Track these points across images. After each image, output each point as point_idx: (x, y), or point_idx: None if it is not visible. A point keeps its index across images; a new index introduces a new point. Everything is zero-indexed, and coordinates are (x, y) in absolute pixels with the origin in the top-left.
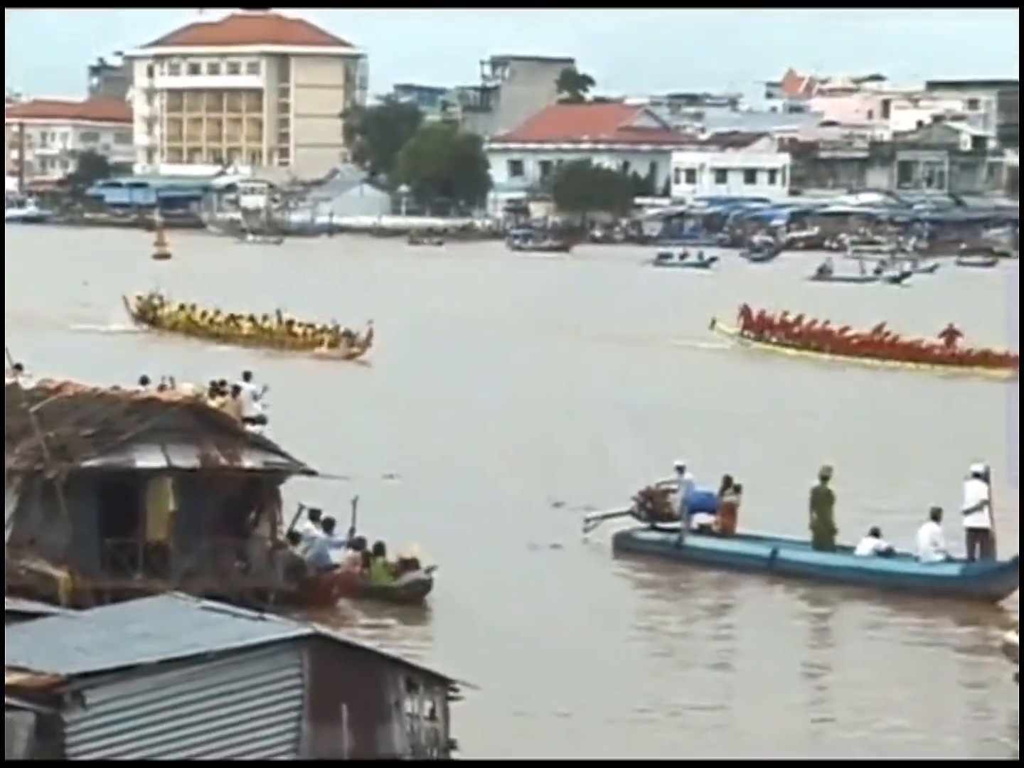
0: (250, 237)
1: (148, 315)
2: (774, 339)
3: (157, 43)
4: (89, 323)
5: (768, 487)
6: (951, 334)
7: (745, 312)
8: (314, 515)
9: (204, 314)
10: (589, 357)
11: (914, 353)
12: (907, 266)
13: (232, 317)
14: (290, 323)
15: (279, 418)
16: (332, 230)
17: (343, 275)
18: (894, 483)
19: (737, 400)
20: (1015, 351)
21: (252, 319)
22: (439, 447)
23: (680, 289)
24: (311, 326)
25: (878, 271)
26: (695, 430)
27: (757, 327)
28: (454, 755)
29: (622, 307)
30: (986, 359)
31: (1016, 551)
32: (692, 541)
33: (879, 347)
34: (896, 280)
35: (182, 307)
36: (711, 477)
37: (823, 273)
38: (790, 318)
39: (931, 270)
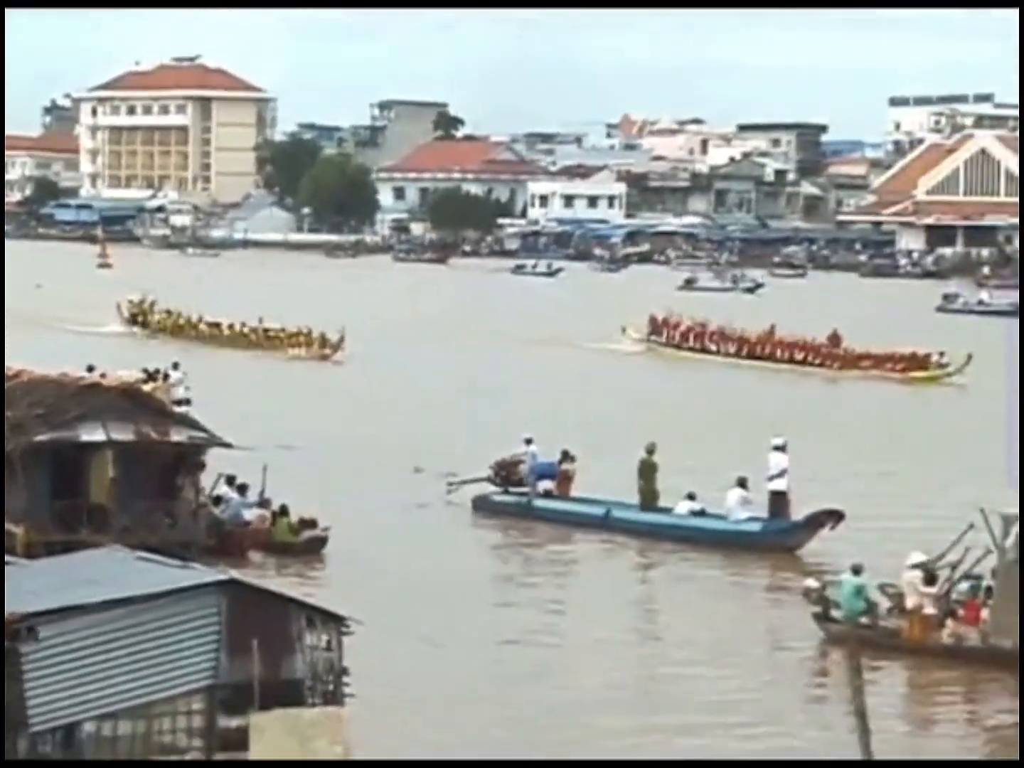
0: (190, 250)
1: (139, 319)
2: (680, 343)
3: (100, 88)
4: (90, 325)
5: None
6: (835, 337)
7: (653, 319)
8: (230, 480)
9: (188, 319)
10: (517, 358)
11: (801, 354)
12: (759, 278)
13: (213, 323)
14: (267, 328)
15: (234, 401)
16: (246, 244)
17: (274, 283)
18: (721, 456)
19: (625, 392)
20: (894, 351)
21: (231, 324)
22: (347, 425)
23: (550, 296)
24: (283, 329)
25: (735, 282)
26: (584, 414)
27: (663, 332)
28: (346, 680)
29: (527, 313)
30: (866, 359)
31: (809, 510)
32: (539, 503)
33: (773, 349)
34: (751, 290)
35: (169, 312)
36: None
37: (690, 283)
38: (693, 324)
39: (754, 287)
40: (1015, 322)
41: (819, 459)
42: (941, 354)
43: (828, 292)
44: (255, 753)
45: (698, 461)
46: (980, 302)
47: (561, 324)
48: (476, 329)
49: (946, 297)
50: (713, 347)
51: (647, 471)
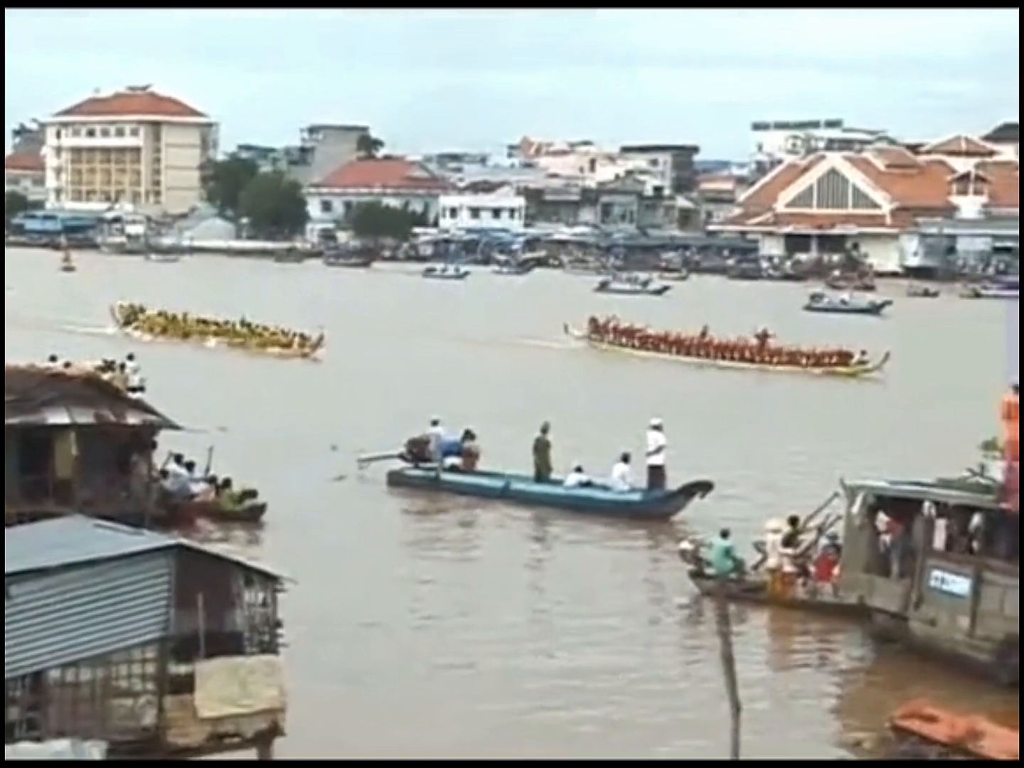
0: (153, 256)
1: (131, 320)
2: (619, 341)
3: (63, 113)
4: (92, 327)
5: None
6: (763, 336)
7: (592, 320)
8: (178, 458)
9: (174, 318)
10: (471, 356)
11: (733, 352)
12: (667, 281)
13: (201, 321)
14: (251, 326)
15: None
16: (193, 250)
17: (230, 284)
18: (614, 435)
19: (559, 384)
20: (818, 349)
21: (218, 323)
22: (289, 411)
23: (470, 296)
24: (267, 328)
25: (645, 284)
26: (515, 403)
27: (603, 332)
28: (279, 631)
29: (462, 313)
30: (792, 357)
31: (683, 481)
32: (445, 476)
33: (705, 347)
34: (658, 292)
35: (161, 314)
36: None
37: (604, 286)
38: (630, 324)
39: (660, 290)
40: (875, 319)
41: (725, 440)
42: (862, 352)
43: (713, 293)
44: (201, 695)
45: (608, 440)
46: (843, 301)
47: (499, 323)
48: (425, 329)
49: (813, 297)
50: (651, 345)
51: (541, 448)
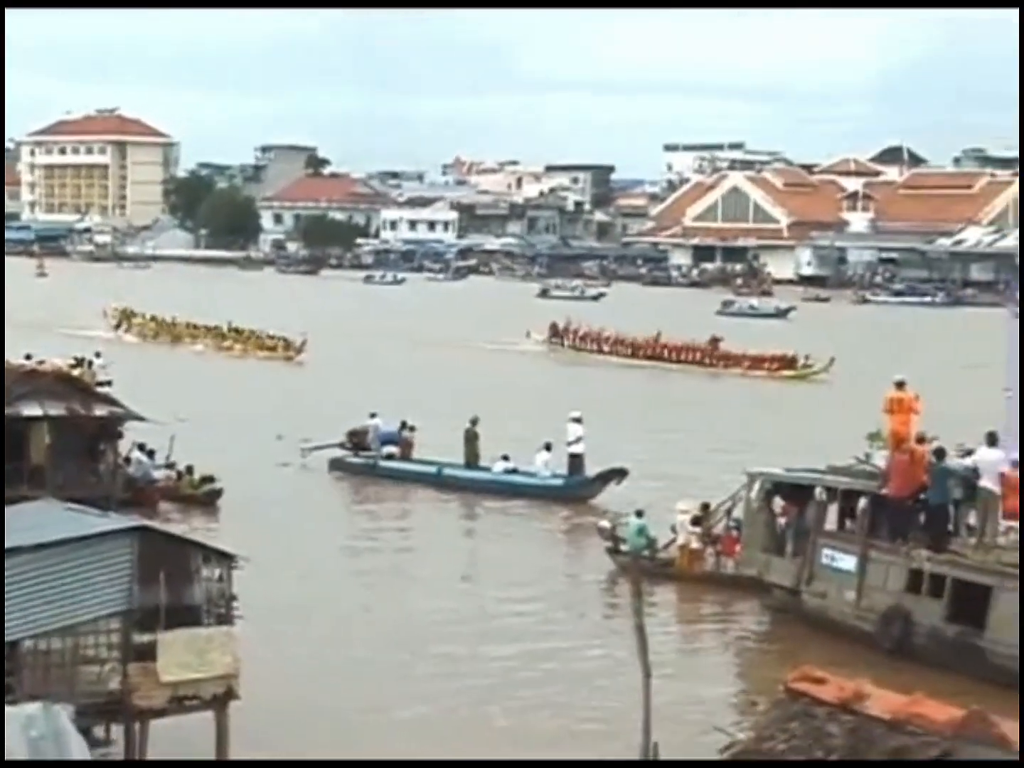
0: (125, 264)
1: (123, 323)
2: (578, 345)
3: (37, 133)
4: (81, 329)
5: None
6: (714, 341)
7: (553, 324)
8: (141, 447)
9: (164, 322)
10: (438, 359)
11: (686, 355)
12: (602, 288)
13: (191, 325)
14: (238, 330)
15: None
16: (156, 258)
17: (198, 289)
18: (542, 427)
19: (513, 383)
20: (765, 353)
21: (207, 328)
22: (247, 405)
23: (417, 301)
24: (252, 332)
25: (582, 291)
26: (469, 399)
27: (563, 336)
28: (235, 604)
29: (418, 317)
30: (741, 361)
31: (600, 468)
32: (383, 464)
33: (658, 350)
34: (596, 298)
35: (153, 318)
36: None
37: (545, 293)
38: (587, 329)
39: (598, 296)
40: (781, 323)
41: (655, 434)
42: (807, 356)
43: (637, 299)
44: (162, 662)
45: (550, 432)
46: (751, 307)
47: (459, 327)
48: (392, 334)
49: (724, 303)
50: (608, 348)
51: (471, 438)
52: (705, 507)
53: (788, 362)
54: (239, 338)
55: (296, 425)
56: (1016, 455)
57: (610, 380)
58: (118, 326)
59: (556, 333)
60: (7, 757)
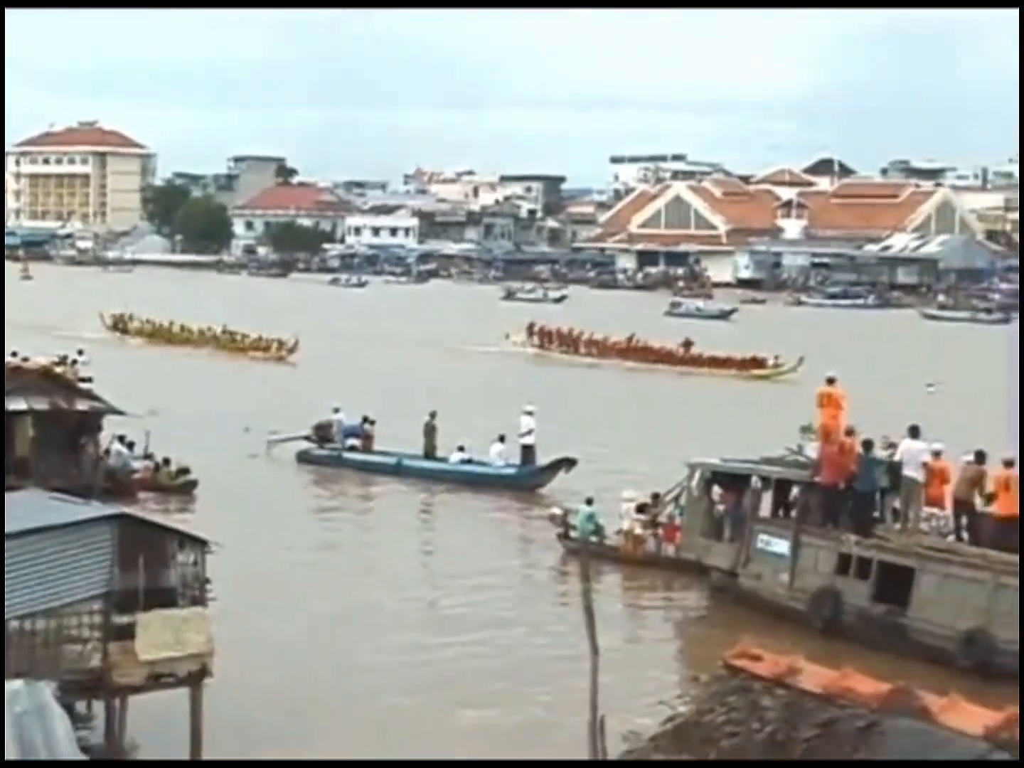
0: (111, 268)
1: (120, 326)
2: (555, 346)
3: (22, 144)
4: (77, 331)
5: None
6: (687, 343)
7: (530, 326)
8: (121, 439)
9: (161, 326)
10: (421, 361)
11: (659, 356)
12: (565, 291)
13: (186, 329)
14: (232, 332)
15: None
16: (135, 263)
17: (181, 290)
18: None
19: (491, 383)
20: (735, 354)
21: (202, 331)
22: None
23: (388, 304)
24: (246, 335)
25: (545, 294)
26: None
27: (540, 337)
28: (208, 587)
29: (395, 319)
30: (713, 361)
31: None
32: (346, 455)
33: (633, 352)
34: (558, 300)
35: (148, 321)
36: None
37: (510, 295)
38: (565, 330)
39: (560, 298)
40: (725, 323)
41: (615, 429)
42: (776, 356)
43: (594, 301)
44: (140, 642)
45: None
46: (697, 308)
47: (434, 329)
48: (368, 335)
49: (672, 305)
50: (584, 350)
51: (429, 431)
52: (655, 496)
53: (758, 363)
54: (233, 340)
55: (279, 420)
56: (938, 446)
57: (583, 379)
58: (115, 329)
59: (533, 334)
60: None
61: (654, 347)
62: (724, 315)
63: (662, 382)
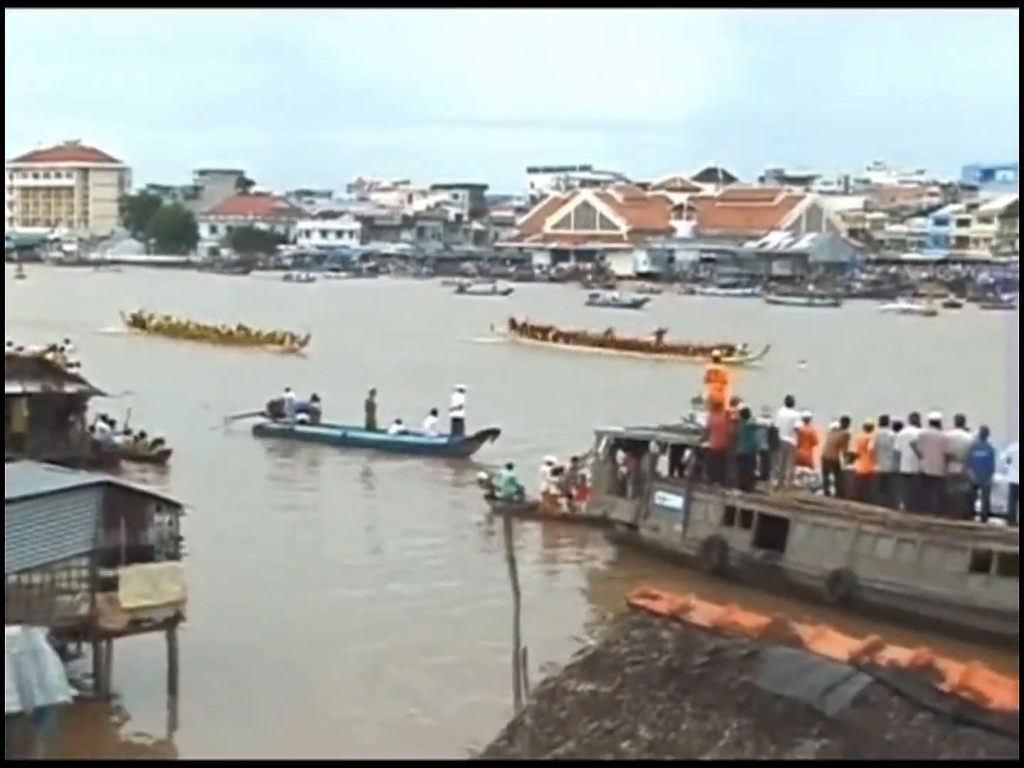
0: (104, 267)
1: (139, 323)
2: (536, 337)
3: (15, 160)
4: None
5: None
6: (659, 333)
7: (512, 320)
8: (104, 417)
9: (180, 322)
10: (415, 352)
11: (635, 346)
12: (510, 285)
13: (202, 325)
14: (247, 328)
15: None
16: (115, 263)
17: (167, 287)
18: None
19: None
20: (704, 343)
21: (217, 330)
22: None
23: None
24: (260, 331)
25: (495, 288)
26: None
27: (521, 329)
28: (182, 544)
29: (378, 312)
30: (684, 350)
31: (476, 429)
32: (297, 428)
33: (611, 342)
34: (505, 293)
35: (167, 317)
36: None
37: (463, 289)
38: (545, 323)
39: (507, 291)
40: (638, 312)
41: (554, 406)
42: (744, 344)
43: (528, 294)
44: (123, 592)
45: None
46: (613, 299)
47: (416, 322)
48: (357, 328)
49: (592, 295)
50: (563, 340)
51: (369, 407)
52: (575, 460)
53: (727, 350)
54: (248, 335)
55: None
56: (807, 414)
57: (561, 367)
58: (133, 324)
59: (515, 326)
60: None
61: (629, 338)
62: (637, 304)
63: (637, 369)
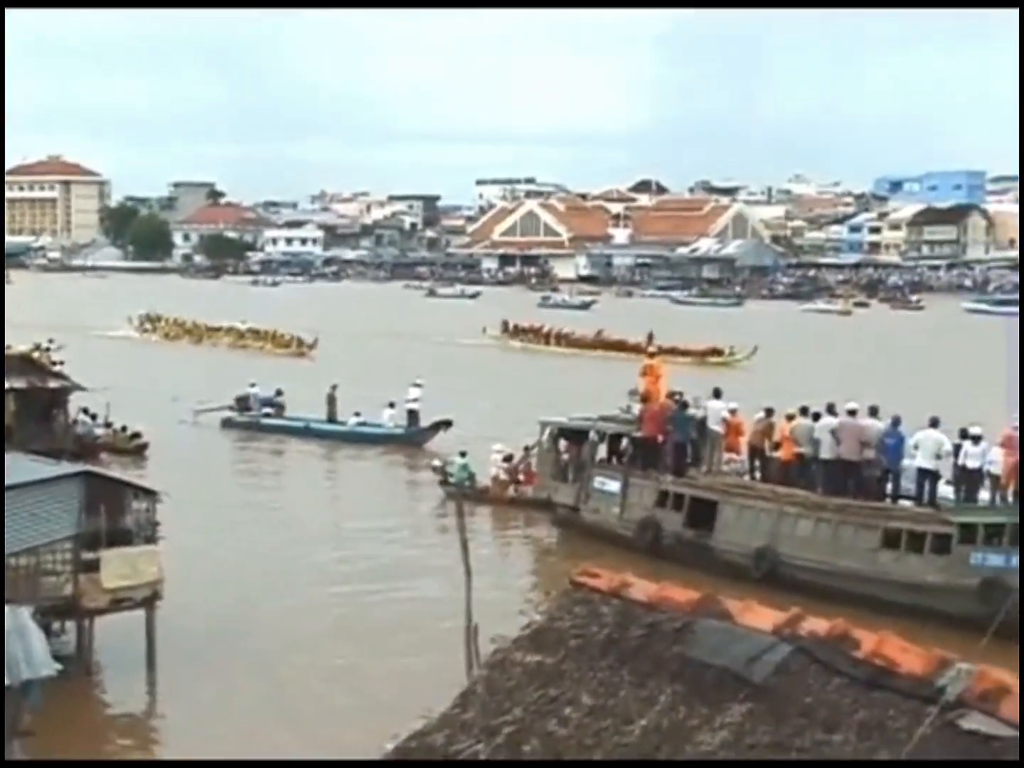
0: (91, 273)
1: (148, 326)
2: (528, 339)
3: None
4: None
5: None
6: (650, 336)
7: (504, 322)
8: (85, 411)
9: (184, 324)
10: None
11: (625, 348)
12: (480, 288)
13: (212, 328)
14: (256, 330)
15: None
16: (95, 269)
17: (151, 290)
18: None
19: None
20: (694, 345)
21: (227, 329)
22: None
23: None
24: (268, 332)
25: (463, 291)
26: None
27: (512, 331)
28: (158, 529)
29: (378, 318)
30: (673, 351)
31: (430, 421)
32: (263, 421)
33: (601, 344)
34: (472, 296)
35: (176, 321)
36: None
37: (432, 293)
38: (536, 325)
39: (474, 295)
40: (586, 312)
41: (516, 402)
42: (731, 346)
43: (492, 296)
44: (104, 573)
45: (375, 394)
46: (563, 300)
47: (411, 324)
48: (349, 330)
49: (544, 298)
50: (554, 342)
51: (331, 400)
52: (527, 448)
53: (715, 351)
54: (257, 337)
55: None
56: (733, 405)
57: (552, 368)
58: (143, 328)
59: (507, 329)
60: None
61: (619, 340)
62: (585, 306)
63: (623, 369)
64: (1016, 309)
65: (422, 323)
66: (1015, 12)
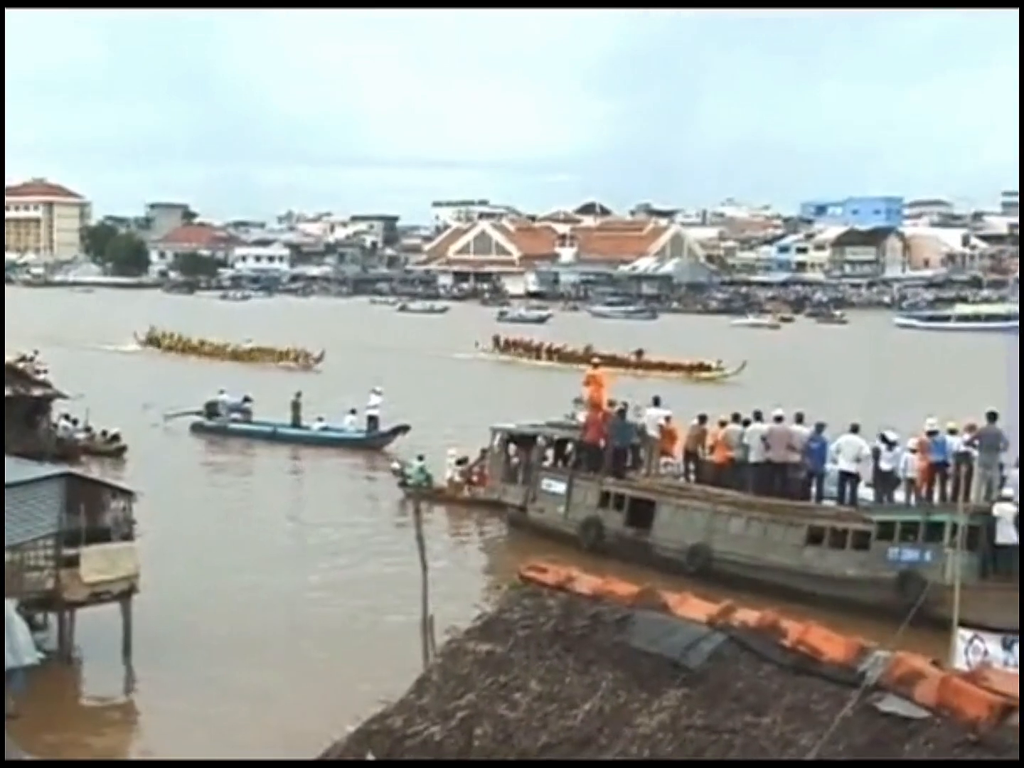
0: (78, 288)
1: (152, 341)
2: (518, 353)
3: None
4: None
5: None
6: (640, 351)
7: (495, 337)
8: (67, 416)
9: (188, 340)
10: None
11: (615, 362)
12: (446, 304)
13: (214, 344)
14: (261, 348)
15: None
16: (76, 284)
17: (136, 305)
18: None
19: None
20: (682, 360)
21: (227, 345)
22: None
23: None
24: (272, 348)
25: (432, 307)
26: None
27: (504, 345)
28: (135, 526)
29: (359, 332)
30: (662, 366)
31: (389, 426)
32: (232, 426)
33: (590, 358)
34: (442, 311)
35: (179, 337)
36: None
37: (404, 308)
38: (526, 339)
39: (443, 309)
40: (542, 326)
41: (483, 409)
42: (719, 361)
43: (454, 311)
44: (84, 568)
45: (337, 401)
46: (520, 315)
47: (385, 336)
48: (343, 344)
49: (502, 312)
50: (544, 356)
51: (295, 406)
52: (483, 452)
53: (703, 367)
54: (260, 352)
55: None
56: (669, 412)
57: (536, 380)
58: (148, 344)
59: (498, 343)
60: None
61: (610, 356)
62: (542, 320)
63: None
64: (942, 325)
65: (406, 337)
66: (921, 51)
